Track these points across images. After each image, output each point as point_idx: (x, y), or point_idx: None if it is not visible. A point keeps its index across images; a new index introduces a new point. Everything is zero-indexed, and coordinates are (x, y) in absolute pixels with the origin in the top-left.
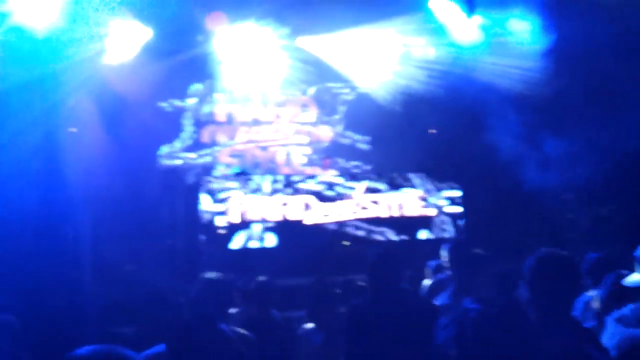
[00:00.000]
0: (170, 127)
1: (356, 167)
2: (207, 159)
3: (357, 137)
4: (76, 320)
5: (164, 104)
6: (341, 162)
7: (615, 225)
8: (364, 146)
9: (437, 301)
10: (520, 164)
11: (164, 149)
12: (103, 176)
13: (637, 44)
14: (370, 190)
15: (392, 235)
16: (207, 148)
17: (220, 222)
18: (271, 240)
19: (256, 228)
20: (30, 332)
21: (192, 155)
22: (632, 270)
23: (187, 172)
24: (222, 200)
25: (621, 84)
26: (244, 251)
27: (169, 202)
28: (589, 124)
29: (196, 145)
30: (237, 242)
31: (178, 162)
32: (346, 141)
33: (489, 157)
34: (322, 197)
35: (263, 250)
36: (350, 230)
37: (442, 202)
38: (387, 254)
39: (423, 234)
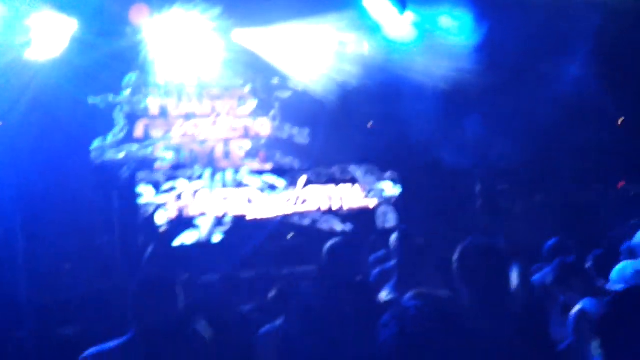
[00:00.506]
0: (101, 121)
1: (295, 160)
2: (142, 153)
3: (295, 130)
4: (12, 322)
5: (94, 99)
6: (279, 155)
7: (550, 212)
8: (302, 139)
9: (382, 293)
10: (454, 154)
11: (96, 143)
12: (33, 173)
13: (564, 40)
14: (310, 182)
15: (338, 226)
16: (141, 142)
17: (160, 219)
18: (215, 236)
19: (200, 223)
20: None
21: (125, 149)
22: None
23: (121, 167)
24: (163, 193)
25: (549, 79)
26: (186, 248)
27: (103, 198)
28: (519, 114)
29: (129, 140)
30: (178, 239)
31: (111, 156)
32: (284, 135)
33: (426, 148)
34: (262, 191)
35: (206, 246)
36: (294, 222)
37: (384, 193)
38: (344, 245)
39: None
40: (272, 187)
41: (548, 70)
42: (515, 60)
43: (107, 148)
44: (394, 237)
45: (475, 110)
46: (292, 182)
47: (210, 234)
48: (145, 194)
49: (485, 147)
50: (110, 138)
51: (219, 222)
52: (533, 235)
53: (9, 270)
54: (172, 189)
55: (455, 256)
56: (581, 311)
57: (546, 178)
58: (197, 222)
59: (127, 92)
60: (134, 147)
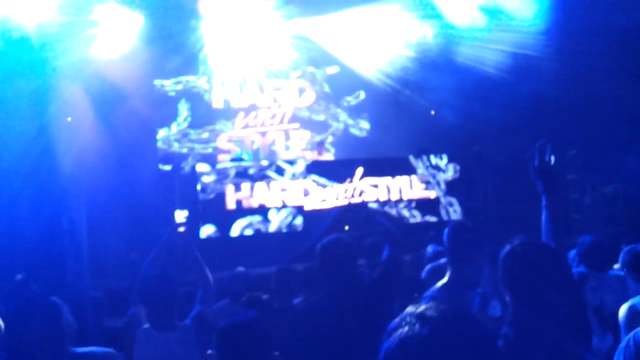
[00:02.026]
0: (166, 113)
1: (354, 151)
2: (205, 145)
3: (355, 121)
4: (76, 312)
5: (159, 88)
6: (339, 146)
7: (619, 205)
8: (361, 130)
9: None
10: (518, 143)
11: (161, 133)
12: (100, 166)
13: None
14: (370, 173)
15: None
16: (204, 133)
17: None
18: (273, 226)
19: (259, 215)
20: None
21: (189, 139)
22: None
23: (185, 158)
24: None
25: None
26: (247, 238)
27: (166, 190)
28: (592, 108)
29: (193, 129)
30: (236, 229)
31: (175, 145)
32: (343, 126)
33: (490, 137)
34: (318, 182)
35: (265, 236)
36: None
37: (443, 184)
38: (340, 244)
39: (430, 217)
40: (331, 179)
41: (620, 56)
42: (586, 45)
43: (172, 138)
44: (449, 230)
45: (542, 99)
46: (350, 174)
47: (269, 225)
48: (209, 184)
49: (551, 135)
50: (174, 128)
51: (278, 213)
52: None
53: (74, 261)
54: (233, 180)
55: (502, 256)
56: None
57: (616, 167)
58: (256, 214)
59: (190, 84)
60: (198, 137)
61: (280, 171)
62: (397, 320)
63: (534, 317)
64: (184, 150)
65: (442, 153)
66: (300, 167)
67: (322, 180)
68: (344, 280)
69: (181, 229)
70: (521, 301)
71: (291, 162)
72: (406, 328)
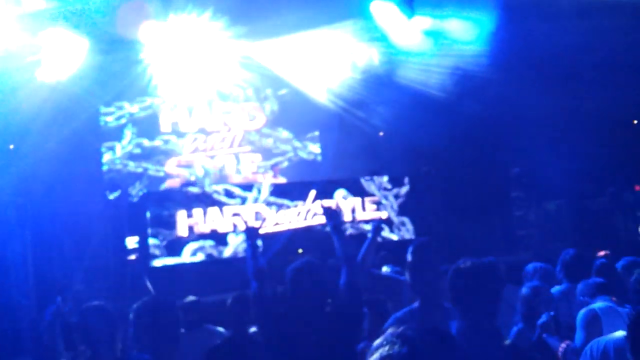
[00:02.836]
0: (112, 138)
1: (306, 173)
2: (153, 169)
3: (306, 143)
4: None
5: (105, 114)
6: (290, 169)
7: (563, 220)
8: (313, 152)
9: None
10: (469, 163)
11: (106, 157)
12: (44, 194)
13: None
14: (321, 196)
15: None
16: (152, 158)
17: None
18: (229, 251)
19: (203, 242)
20: None
21: (135, 164)
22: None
23: (133, 183)
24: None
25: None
26: (199, 264)
27: (114, 218)
28: (538, 124)
29: (139, 155)
30: (186, 253)
31: (121, 169)
32: (295, 148)
33: (436, 156)
34: (282, 205)
35: (219, 262)
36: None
37: (395, 204)
38: (312, 267)
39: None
40: (293, 200)
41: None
42: (527, 65)
43: (117, 161)
44: (409, 251)
45: (486, 118)
46: (303, 196)
47: (224, 249)
48: (154, 211)
49: (499, 154)
50: (119, 151)
51: (224, 239)
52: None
53: (17, 290)
54: (183, 206)
55: (449, 277)
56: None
57: (559, 184)
58: (208, 239)
59: (137, 107)
60: (144, 163)
61: (231, 195)
62: (379, 340)
63: (479, 327)
64: (131, 172)
65: (393, 174)
66: (265, 189)
67: (286, 202)
68: (316, 304)
69: (132, 257)
70: (465, 313)
71: (250, 186)
72: (387, 347)
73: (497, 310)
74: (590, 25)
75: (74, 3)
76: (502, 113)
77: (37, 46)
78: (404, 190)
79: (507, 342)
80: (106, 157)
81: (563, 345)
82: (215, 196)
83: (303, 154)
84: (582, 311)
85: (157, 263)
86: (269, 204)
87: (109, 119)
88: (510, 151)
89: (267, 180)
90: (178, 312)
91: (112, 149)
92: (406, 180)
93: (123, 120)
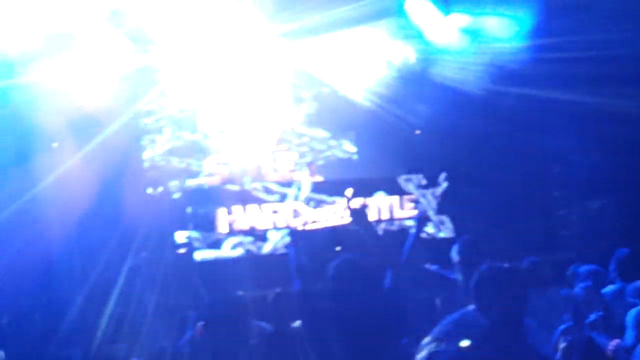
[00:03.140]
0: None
1: (343, 171)
2: (195, 164)
3: (343, 142)
4: (63, 338)
5: (145, 115)
6: (327, 167)
7: (607, 220)
8: (350, 150)
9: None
10: (508, 161)
11: (147, 154)
12: (88, 191)
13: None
14: (358, 194)
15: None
16: (191, 155)
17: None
18: (268, 247)
19: (242, 238)
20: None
21: (175, 160)
22: None
23: (170, 179)
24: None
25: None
26: (239, 260)
27: (156, 214)
28: (578, 121)
29: (180, 150)
30: (226, 248)
31: (161, 165)
32: (332, 146)
33: (477, 155)
34: (310, 204)
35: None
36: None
37: (434, 202)
38: (349, 265)
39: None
40: (320, 200)
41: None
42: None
43: (157, 158)
44: (455, 249)
45: (526, 115)
46: (340, 194)
47: (264, 245)
48: (195, 207)
49: (539, 153)
50: (160, 148)
51: (264, 236)
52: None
53: (66, 290)
54: (223, 204)
55: (474, 280)
56: None
57: (603, 183)
58: (238, 237)
59: (176, 107)
60: (184, 159)
61: (270, 193)
62: (428, 338)
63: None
64: (172, 168)
65: (430, 172)
66: (305, 187)
67: (325, 198)
68: (357, 300)
69: (182, 251)
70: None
71: (289, 184)
72: (434, 344)
73: (521, 314)
74: (632, 20)
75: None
76: (542, 110)
77: (81, 45)
78: (441, 188)
79: (561, 344)
80: (147, 153)
81: (613, 343)
82: (255, 193)
83: (339, 153)
84: (633, 311)
85: (198, 256)
86: (309, 200)
87: (148, 120)
88: (551, 149)
89: (307, 179)
90: None
91: (152, 143)
92: (443, 178)
93: (162, 122)
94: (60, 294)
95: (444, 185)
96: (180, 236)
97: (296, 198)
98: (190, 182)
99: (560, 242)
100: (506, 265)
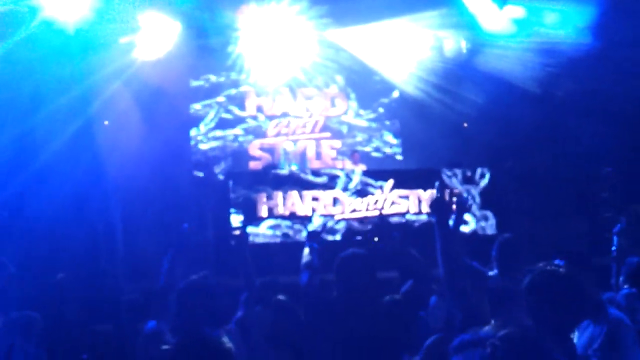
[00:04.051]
0: (199, 120)
1: (386, 162)
2: (238, 150)
3: (386, 132)
4: (108, 313)
5: (194, 101)
6: (370, 157)
7: None
8: (394, 141)
9: None
10: (557, 158)
11: (194, 131)
12: (136, 168)
13: None
14: (399, 185)
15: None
16: (236, 140)
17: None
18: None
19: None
20: (61, 326)
21: (220, 142)
22: None
23: (218, 162)
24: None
25: None
26: (275, 245)
27: (200, 195)
28: (632, 121)
29: (221, 130)
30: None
31: (205, 145)
32: (376, 136)
33: (525, 150)
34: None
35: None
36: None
37: (477, 197)
38: (357, 258)
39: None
40: (362, 190)
41: None
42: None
43: (200, 138)
44: (499, 244)
45: (577, 112)
46: (381, 184)
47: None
48: (237, 191)
49: (589, 152)
50: (203, 128)
51: (304, 222)
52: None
53: (107, 262)
54: (265, 188)
55: (525, 284)
56: None
57: None
58: (283, 223)
59: (224, 92)
60: (229, 140)
61: (316, 178)
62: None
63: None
64: (215, 148)
65: (476, 166)
66: (357, 176)
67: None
68: (360, 294)
69: (236, 232)
70: (545, 327)
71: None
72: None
73: (576, 324)
74: None
75: None
76: (594, 108)
77: (134, 28)
78: (484, 183)
79: None
80: (193, 131)
81: None
82: (303, 177)
83: (382, 143)
84: None
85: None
86: (357, 189)
87: (197, 106)
88: (602, 148)
89: (356, 167)
90: None
91: (196, 125)
92: (488, 173)
93: (211, 112)
94: (103, 269)
95: (487, 180)
96: (236, 219)
97: (346, 185)
98: (236, 166)
99: (605, 245)
100: (562, 269)
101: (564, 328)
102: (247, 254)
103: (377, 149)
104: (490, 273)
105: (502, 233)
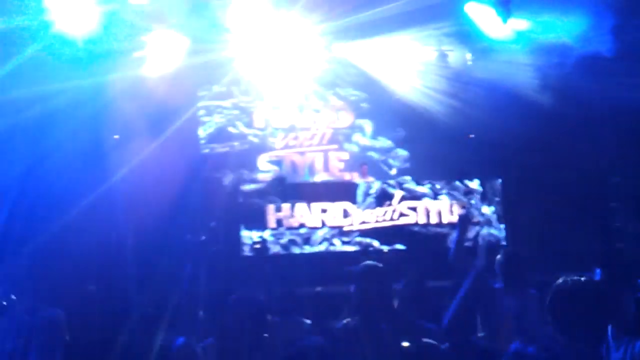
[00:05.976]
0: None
1: (393, 173)
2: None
3: (394, 144)
4: (120, 324)
5: (202, 114)
6: (377, 168)
7: None
8: (402, 153)
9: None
10: (564, 169)
11: (203, 144)
12: (145, 182)
13: None
14: (408, 197)
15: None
16: (244, 157)
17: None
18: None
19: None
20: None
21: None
22: None
23: (227, 174)
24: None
25: None
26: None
27: (209, 205)
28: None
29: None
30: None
31: (219, 156)
32: (384, 146)
33: (532, 161)
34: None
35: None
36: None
37: (485, 209)
38: (375, 270)
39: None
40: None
41: None
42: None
43: (209, 150)
44: (498, 259)
45: (585, 122)
46: (390, 196)
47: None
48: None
49: (597, 162)
50: (211, 141)
51: (312, 235)
52: None
53: (120, 272)
54: (274, 200)
55: (548, 298)
56: None
57: None
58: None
59: (230, 103)
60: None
61: (328, 191)
62: None
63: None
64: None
65: (483, 177)
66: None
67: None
68: (378, 304)
69: (257, 246)
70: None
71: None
72: None
73: (602, 336)
74: None
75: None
76: (602, 118)
77: (143, 43)
78: (492, 194)
79: None
80: (203, 144)
81: None
82: (311, 188)
83: (391, 154)
84: None
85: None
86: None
87: (206, 119)
88: (610, 158)
89: (365, 180)
90: None
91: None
92: (497, 184)
93: (219, 124)
94: (124, 283)
95: (496, 191)
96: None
97: (365, 197)
98: (245, 178)
99: (614, 255)
100: (582, 278)
101: (592, 336)
102: (268, 267)
103: (384, 162)
104: (496, 285)
105: (510, 245)
